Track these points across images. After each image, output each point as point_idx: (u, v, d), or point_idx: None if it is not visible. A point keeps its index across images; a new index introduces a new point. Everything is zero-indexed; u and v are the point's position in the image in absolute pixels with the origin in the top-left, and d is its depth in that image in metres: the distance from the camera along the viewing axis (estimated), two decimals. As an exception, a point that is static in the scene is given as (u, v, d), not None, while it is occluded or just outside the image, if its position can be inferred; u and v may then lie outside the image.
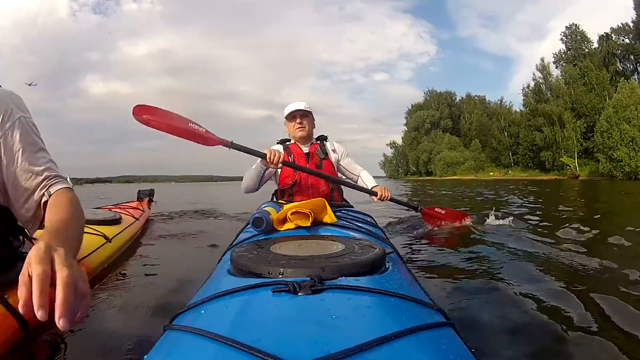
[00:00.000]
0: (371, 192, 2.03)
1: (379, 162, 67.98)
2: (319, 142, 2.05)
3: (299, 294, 0.55)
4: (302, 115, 1.97)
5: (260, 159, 1.75)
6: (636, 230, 2.65)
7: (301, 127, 1.96)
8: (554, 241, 2.34)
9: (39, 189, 0.81)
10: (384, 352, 0.43)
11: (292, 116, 1.98)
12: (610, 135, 28.09)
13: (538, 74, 38.80)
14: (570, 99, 35.72)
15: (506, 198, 7.41)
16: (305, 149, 1.98)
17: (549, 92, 37.46)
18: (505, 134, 43.92)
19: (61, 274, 0.47)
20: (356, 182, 2.10)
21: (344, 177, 2.12)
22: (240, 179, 1.94)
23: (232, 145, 1.75)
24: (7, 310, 0.87)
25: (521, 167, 40.75)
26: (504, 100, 48.39)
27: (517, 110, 43.56)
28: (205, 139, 1.71)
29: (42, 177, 0.81)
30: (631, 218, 3.95)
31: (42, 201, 0.81)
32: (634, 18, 35.20)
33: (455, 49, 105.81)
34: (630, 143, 27.06)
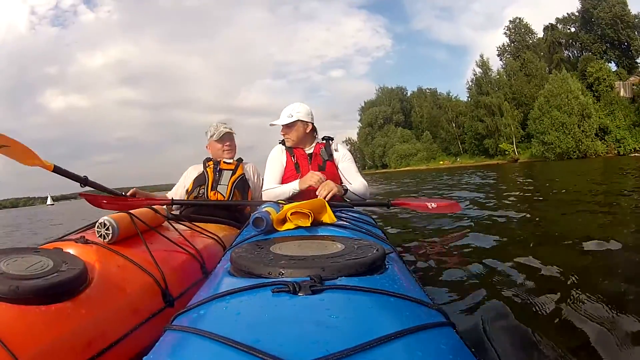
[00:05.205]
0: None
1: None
2: (324, 142, 1.97)
3: (299, 294, 0.55)
4: (286, 127, 1.91)
5: (297, 182, 1.73)
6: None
7: (287, 138, 1.93)
8: (543, 233, 2.33)
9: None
10: (384, 352, 0.43)
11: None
12: (542, 121, 30.76)
13: (478, 70, 40.51)
14: (510, 90, 37.62)
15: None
16: (309, 150, 1.93)
17: (489, 85, 39.32)
18: (454, 124, 45.75)
19: None
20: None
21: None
22: None
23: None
24: None
25: (469, 154, 42.93)
26: (451, 93, 51.12)
27: (466, 100, 45.19)
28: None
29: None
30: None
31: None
32: (579, 7, 37.02)
33: (411, 42, 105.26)
34: (561, 127, 29.59)
